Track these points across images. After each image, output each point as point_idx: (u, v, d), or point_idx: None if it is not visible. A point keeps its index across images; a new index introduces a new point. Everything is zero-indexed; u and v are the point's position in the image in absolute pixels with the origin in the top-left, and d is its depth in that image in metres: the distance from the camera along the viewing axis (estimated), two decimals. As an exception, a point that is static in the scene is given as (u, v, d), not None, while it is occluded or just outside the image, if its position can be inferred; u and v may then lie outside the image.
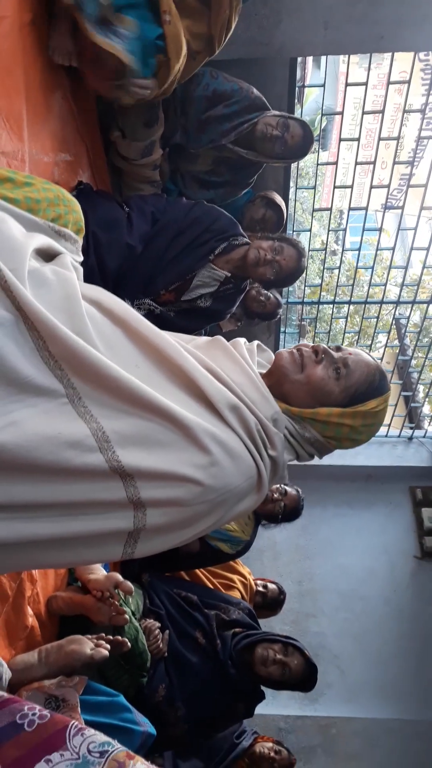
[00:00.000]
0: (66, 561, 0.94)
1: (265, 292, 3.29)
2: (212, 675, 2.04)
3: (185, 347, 0.98)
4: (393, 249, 3.47)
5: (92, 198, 1.94)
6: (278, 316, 3.41)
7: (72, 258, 1.11)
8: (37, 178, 1.28)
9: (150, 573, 2.27)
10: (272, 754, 2.57)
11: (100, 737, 0.93)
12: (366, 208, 3.31)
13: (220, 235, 2.08)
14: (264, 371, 1.08)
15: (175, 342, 0.97)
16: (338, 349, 1.08)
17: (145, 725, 1.55)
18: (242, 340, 1.10)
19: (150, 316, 2.04)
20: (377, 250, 3.49)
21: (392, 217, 4.00)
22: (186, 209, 2.09)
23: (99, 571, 1.67)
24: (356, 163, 3.16)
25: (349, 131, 3.99)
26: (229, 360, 1.02)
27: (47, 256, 1.07)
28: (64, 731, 0.93)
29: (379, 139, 2.99)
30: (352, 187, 3.23)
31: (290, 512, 2.54)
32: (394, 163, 3.16)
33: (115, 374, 0.86)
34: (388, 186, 3.23)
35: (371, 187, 3.21)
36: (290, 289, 4.17)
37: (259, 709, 3.34)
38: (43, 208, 1.21)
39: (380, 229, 3.40)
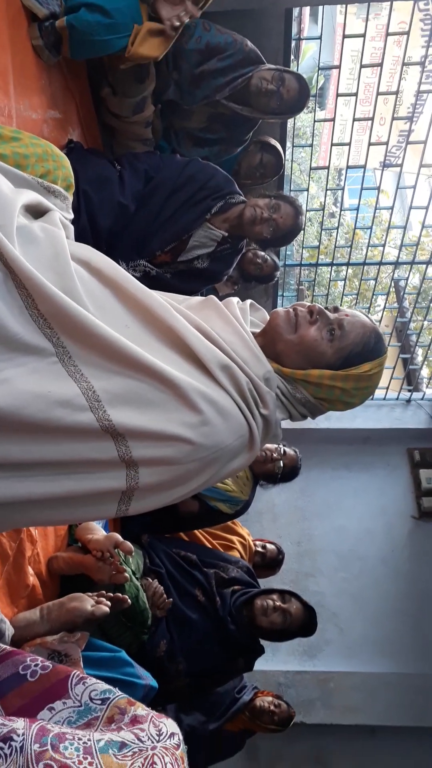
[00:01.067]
0: (61, 519, 0.95)
1: (262, 254, 3.25)
2: (212, 631, 2.09)
3: (176, 307, 0.97)
4: (391, 209, 3.42)
5: (83, 156, 1.90)
6: (275, 279, 3.37)
7: (62, 215, 1.09)
8: (25, 132, 1.25)
9: (150, 534, 2.30)
10: (272, 707, 2.65)
11: (102, 686, 0.95)
12: (364, 167, 3.24)
13: (216, 193, 2.04)
14: (257, 330, 1.07)
15: (165, 302, 0.96)
16: (335, 309, 1.07)
17: (147, 679, 1.58)
18: (235, 300, 1.09)
19: (146, 278, 2.02)
20: (375, 209, 3.43)
21: (391, 177, 3.92)
22: (180, 167, 2.04)
23: (99, 532, 1.69)
24: (354, 119, 3.09)
25: (346, 86, 3.87)
26: (221, 319, 1.01)
27: (36, 212, 1.05)
28: (66, 680, 0.95)
29: (378, 93, 2.90)
30: (349, 144, 3.16)
31: (288, 472, 2.56)
32: (393, 118, 3.09)
33: (105, 334, 0.86)
34: (387, 143, 3.16)
35: (369, 144, 3.14)
36: (288, 252, 4.13)
37: (260, 666, 3.43)
38: (31, 164, 1.18)
39: (378, 188, 3.34)
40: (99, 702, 0.93)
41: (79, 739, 0.80)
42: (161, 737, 0.87)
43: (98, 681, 0.96)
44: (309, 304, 1.07)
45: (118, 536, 1.61)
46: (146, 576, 2.08)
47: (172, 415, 0.87)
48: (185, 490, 0.93)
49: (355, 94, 2.93)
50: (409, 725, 3.39)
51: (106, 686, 0.95)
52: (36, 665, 0.96)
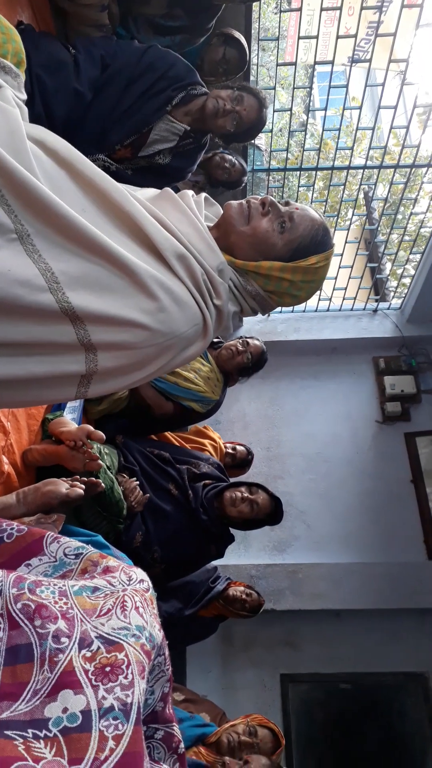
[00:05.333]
0: (23, 400, 0.97)
1: (230, 158, 3.17)
2: (186, 521, 2.20)
3: (133, 194, 0.96)
4: (360, 108, 3.32)
5: (34, 38, 1.78)
6: (243, 185, 3.30)
7: (14, 94, 1.05)
8: (-32, 0, 1.18)
9: (124, 435, 2.36)
10: (244, 596, 2.85)
11: (75, 543, 1.01)
12: (332, 62, 3.12)
13: (176, 83, 1.95)
14: (211, 224, 1.08)
15: (122, 187, 0.95)
16: (287, 203, 1.08)
17: (124, 560, 1.68)
18: (190, 192, 1.08)
19: (105, 173, 1.96)
20: (344, 109, 3.34)
21: (360, 76, 3.77)
22: (139, 54, 1.93)
23: (71, 425, 1.73)
24: (321, 9, 2.94)
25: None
26: (176, 211, 1.01)
27: None
28: (42, 540, 1.01)
29: (346, -22, 2.76)
30: (317, 37, 3.02)
31: (257, 360, 2.63)
32: (362, 8, 2.94)
33: (65, 212, 0.85)
34: (355, 36, 3.03)
35: (338, 37, 3.01)
36: (256, 160, 4.02)
37: (233, 560, 3.66)
38: (-24, 36, 1.12)
39: (347, 86, 3.23)
40: (73, 557, 1.00)
41: (55, 584, 0.87)
42: (131, 582, 0.94)
43: (72, 539, 1.02)
44: (262, 196, 1.08)
45: (90, 427, 1.65)
46: (121, 473, 2.16)
47: (129, 300, 0.88)
48: (142, 375, 0.96)
49: (323, -20, 2.78)
50: (370, 608, 3.69)
51: (80, 543, 1.01)
52: (12, 528, 1.01)
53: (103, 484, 1.60)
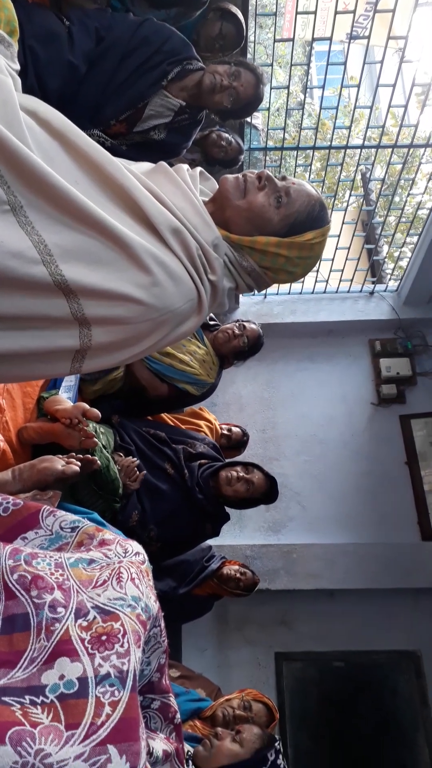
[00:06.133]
0: (17, 374, 0.97)
1: (227, 136, 3.13)
2: (182, 500, 2.21)
3: (127, 167, 0.95)
4: (358, 86, 3.28)
5: (27, 8, 1.74)
6: (240, 163, 3.27)
7: (7, 64, 1.03)
8: (-42, -34, 1.15)
9: (120, 415, 2.36)
10: (238, 575, 2.87)
11: (71, 516, 1.02)
12: (330, 38, 3.07)
13: (172, 57, 1.92)
14: (207, 199, 1.06)
15: (116, 160, 0.93)
16: (283, 178, 1.07)
17: (120, 536, 1.69)
18: (185, 166, 1.07)
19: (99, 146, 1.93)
20: (341, 87, 3.30)
21: (358, 53, 3.73)
22: (133, 27, 1.90)
23: (66, 403, 1.73)
24: (320, -17, 2.88)
25: None
26: (171, 184, 1.00)
27: None
28: (38, 514, 1.01)
29: None
30: (315, 13, 2.97)
31: (253, 345, 2.62)
32: (361, -18, 2.91)
33: (58, 184, 0.84)
34: (354, 11, 2.99)
35: (336, 12, 2.96)
36: (252, 139, 3.98)
37: (228, 541, 3.68)
38: (-34, 3, 1.10)
39: (345, 62, 3.19)
40: (69, 530, 1.00)
41: (51, 557, 0.87)
42: (127, 554, 0.95)
43: (67, 513, 1.02)
44: (258, 170, 1.07)
45: (85, 405, 1.65)
46: (117, 452, 2.16)
47: (123, 274, 0.87)
48: (137, 350, 0.95)
49: None
50: (363, 588, 3.73)
51: (76, 517, 1.02)
52: (8, 502, 1.01)
53: (98, 462, 1.60)
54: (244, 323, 2.60)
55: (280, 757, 1.62)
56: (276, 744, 1.65)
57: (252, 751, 1.59)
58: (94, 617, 0.78)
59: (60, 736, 0.67)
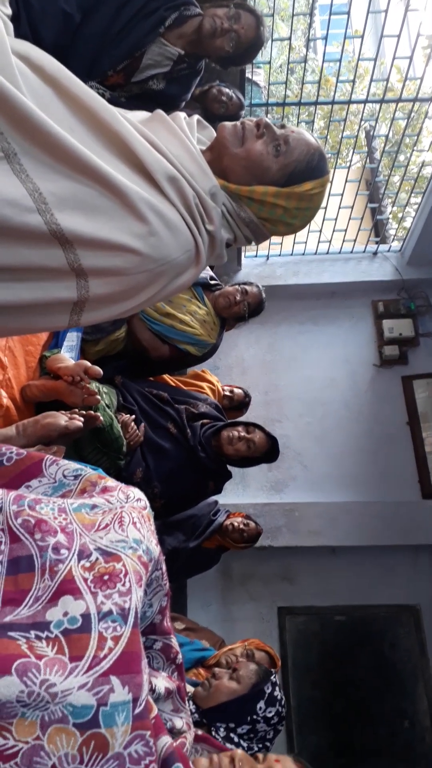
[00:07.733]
0: (16, 327, 0.97)
1: (227, 91, 3.05)
2: (184, 458, 2.24)
3: (123, 115, 0.93)
4: (362, 37, 3.18)
5: None
6: (241, 119, 3.20)
7: (-2, 7, 1.00)
8: None
9: (123, 376, 2.38)
10: (242, 526, 2.92)
11: (74, 465, 1.04)
12: (334, -15, 2.97)
13: (169, 2, 1.86)
14: (204, 147, 1.04)
15: (112, 107, 0.91)
16: (282, 126, 1.04)
17: (122, 485, 1.72)
18: (182, 114, 1.04)
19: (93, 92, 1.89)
20: (345, 38, 3.20)
21: (361, 4, 3.59)
22: (128, -27, 1.84)
23: (68, 361, 1.74)
24: None
25: None
26: (168, 132, 0.98)
27: None
28: (40, 463, 1.03)
29: None
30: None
31: (255, 308, 2.60)
32: None
33: (53, 131, 0.82)
34: None
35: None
36: (254, 97, 3.87)
37: (231, 500, 3.74)
38: None
39: (348, 11, 3.08)
40: (72, 478, 1.02)
41: (54, 502, 0.89)
42: (129, 500, 0.97)
43: (70, 462, 1.04)
44: (257, 117, 1.05)
45: (87, 362, 1.66)
46: (120, 412, 2.18)
47: (119, 223, 0.86)
48: (135, 303, 0.95)
49: None
50: (364, 545, 3.80)
51: (78, 465, 1.04)
52: (11, 452, 1.03)
53: (101, 418, 1.62)
54: (246, 287, 2.57)
55: (277, 689, 1.67)
56: (272, 677, 1.70)
57: (249, 686, 1.63)
58: (97, 558, 0.80)
59: (64, 667, 0.70)
